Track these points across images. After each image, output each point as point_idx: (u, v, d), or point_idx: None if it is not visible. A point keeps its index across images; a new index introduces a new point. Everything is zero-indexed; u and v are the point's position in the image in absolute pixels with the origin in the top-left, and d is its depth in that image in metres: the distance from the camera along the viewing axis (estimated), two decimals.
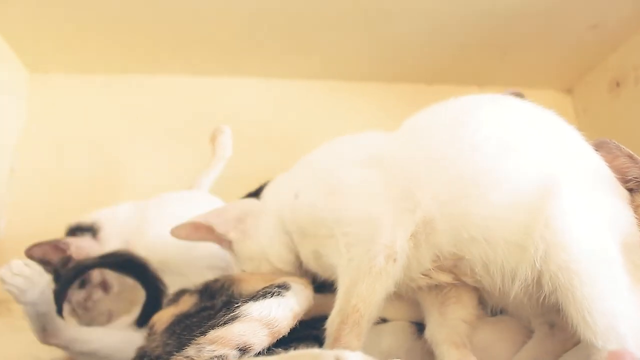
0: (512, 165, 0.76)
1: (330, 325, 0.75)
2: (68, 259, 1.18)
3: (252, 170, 1.31)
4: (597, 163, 0.82)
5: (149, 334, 0.84)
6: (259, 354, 0.68)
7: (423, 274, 0.81)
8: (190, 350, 0.63)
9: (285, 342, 0.74)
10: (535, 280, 0.73)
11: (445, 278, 0.81)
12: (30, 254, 1.12)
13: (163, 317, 0.84)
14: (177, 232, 1.01)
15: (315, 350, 0.53)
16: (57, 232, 1.53)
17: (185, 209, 1.18)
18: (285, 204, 0.93)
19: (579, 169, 0.78)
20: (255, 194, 1.09)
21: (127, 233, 1.20)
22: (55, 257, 1.18)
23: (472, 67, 1.73)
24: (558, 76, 1.81)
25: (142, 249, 1.14)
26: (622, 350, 0.63)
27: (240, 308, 0.70)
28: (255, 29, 1.53)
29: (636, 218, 0.80)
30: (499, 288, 0.77)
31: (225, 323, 0.68)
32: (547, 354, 0.80)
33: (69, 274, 1.08)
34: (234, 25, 1.51)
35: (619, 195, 0.80)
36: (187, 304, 0.86)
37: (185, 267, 1.14)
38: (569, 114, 1.84)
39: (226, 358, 0.63)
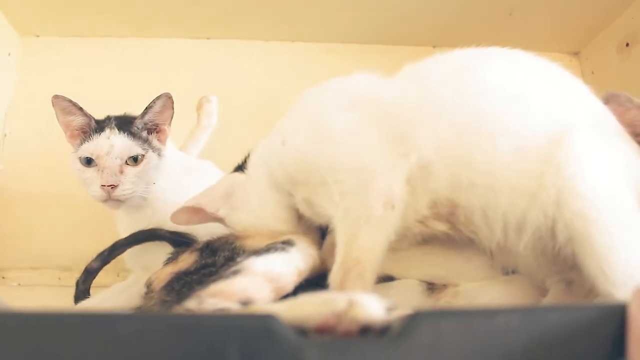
0: (520, 111, 0.73)
1: (334, 280, 0.71)
2: None
3: (246, 135, 1.28)
4: (607, 115, 0.79)
5: (146, 293, 0.80)
6: None
7: (419, 221, 0.77)
8: (190, 303, 0.59)
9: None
10: (548, 230, 0.69)
11: (441, 227, 0.78)
12: None
13: (161, 276, 0.80)
14: (176, 218, 0.99)
15: (326, 294, 0.49)
16: (50, 196, 1.51)
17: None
18: (273, 155, 0.88)
19: (590, 117, 0.75)
20: (242, 166, 1.04)
21: None
22: None
23: (478, 28, 1.67)
24: (565, 38, 1.76)
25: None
26: None
27: (243, 262, 0.67)
28: None
29: None
30: (498, 240, 0.74)
31: (227, 277, 0.64)
32: None
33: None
34: None
35: (631, 146, 0.77)
36: (186, 261, 0.82)
37: None
38: (576, 76, 1.79)
39: (229, 309, 0.60)
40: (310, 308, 0.48)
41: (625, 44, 1.61)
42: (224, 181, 0.98)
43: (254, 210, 0.90)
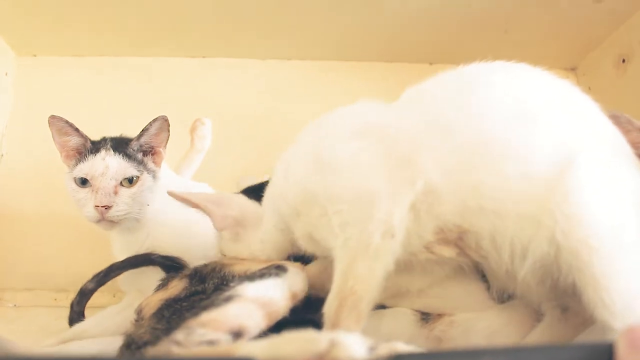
0: (527, 134, 0.71)
1: (328, 309, 0.70)
2: None
3: (241, 154, 1.27)
4: (615, 135, 0.77)
5: (137, 320, 0.79)
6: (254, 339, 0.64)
7: (425, 248, 0.76)
8: (178, 334, 0.58)
9: (281, 327, 0.70)
10: (550, 258, 0.68)
11: (448, 253, 0.76)
12: None
13: (151, 302, 0.79)
14: (181, 199, 0.98)
15: (309, 333, 0.48)
16: (47, 217, 1.50)
17: None
18: (277, 191, 0.87)
19: (598, 140, 0.74)
20: (259, 187, 1.03)
21: None
22: None
23: (474, 45, 1.67)
24: (562, 54, 1.76)
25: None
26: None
27: (236, 288, 0.66)
28: (246, 9, 1.47)
29: None
30: (506, 266, 0.72)
31: (218, 304, 0.63)
32: (558, 339, 0.75)
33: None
34: (223, 5, 1.45)
35: (638, 166, 0.76)
36: (176, 288, 0.81)
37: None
38: None
39: (218, 343, 0.59)
40: (291, 348, 0.47)
41: (621, 60, 1.61)
42: (240, 205, 0.96)
43: (252, 251, 0.89)
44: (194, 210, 1.19)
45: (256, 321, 0.63)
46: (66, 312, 1.22)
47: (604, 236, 0.64)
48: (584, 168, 0.68)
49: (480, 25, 1.58)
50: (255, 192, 1.00)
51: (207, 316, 0.61)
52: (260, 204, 0.94)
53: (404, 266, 0.76)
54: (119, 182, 1.11)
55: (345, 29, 1.59)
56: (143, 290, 1.16)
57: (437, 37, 1.63)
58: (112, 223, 1.11)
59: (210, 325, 0.60)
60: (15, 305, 1.45)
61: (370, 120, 0.81)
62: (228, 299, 0.64)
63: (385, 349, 0.47)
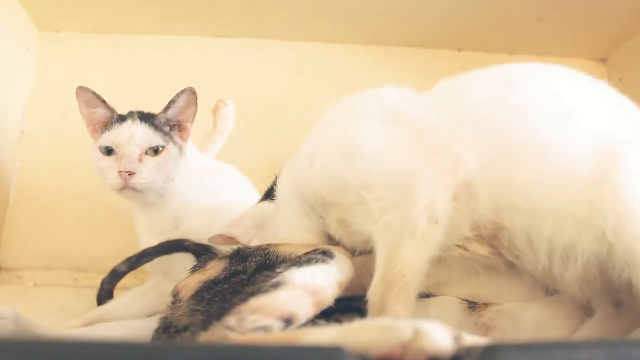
0: (566, 130, 0.70)
1: (374, 294, 0.67)
2: None
3: (265, 137, 1.24)
4: None
5: (173, 302, 0.77)
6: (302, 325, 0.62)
7: (459, 244, 0.74)
8: (230, 320, 0.56)
9: (326, 315, 0.68)
10: (603, 258, 0.66)
11: (482, 251, 0.74)
12: None
13: (189, 284, 0.77)
14: (214, 241, 0.98)
15: (387, 322, 0.46)
16: (67, 195, 1.48)
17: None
18: (301, 179, 0.83)
19: (636, 138, 0.71)
20: (271, 192, 1.01)
21: None
22: None
23: (504, 33, 1.64)
24: (593, 45, 1.72)
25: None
26: None
27: (283, 273, 0.63)
28: None
29: None
30: (543, 267, 0.70)
31: (266, 290, 0.61)
32: (609, 334, 0.73)
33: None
34: None
35: None
36: (215, 269, 0.79)
37: None
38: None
39: (270, 329, 0.56)
40: (373, 336, 0.44)
41: None
42: (253, 210, 0.96)
43: (285, 240, 0.85)
44: (219, 190, 1.18)
45: (306, 308, 0.61)
46: (86, 292, 1.21)
47: None
48: (631, 164, 0.66)
49: (512, 12, 1.54)
50: None
51: (256, 302, 0.59)
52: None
53: (439, 260, 0.74)
54: (144, 150, 1.10)
55: (375, 12, 1.56)
56: (168, 272, 1.15)
57: (466, 24, 1.60)
58: (135, 191, 1.09)
59: (260, 311, 0.58)
60: (35, 284, 1.44)
61: (403, 106, 0.79)
62: (276, 285, 0.61)
63: (469, 340, 0.44)
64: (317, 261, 0.67)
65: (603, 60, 1.78)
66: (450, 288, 0.81)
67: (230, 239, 0.94)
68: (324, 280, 0.64)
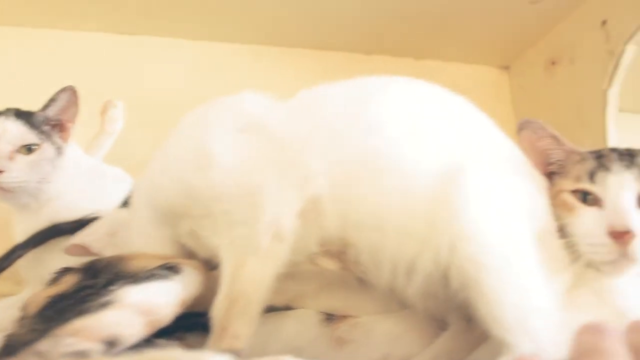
0: (413, 149, 0.70)
1: (217, 312, 0.67)
2: None
3: (156, 138, 1.20)
4: (509, 150, 0.78)
5: (21, 318, 0.73)
6: (135, 346, 0.59)
7: (308, 259, 0.74)
8: (42, 344, 0.53)
9: (169, 332, 0.66)
10: (440, 277, 0.67)
11: (331, 265, 0.75)
12: None
13: (38, 299, 0.73)
14: (70, 251, 0.93)
15: (174, 353, 0.44)
16: None
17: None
18: (154, 186, 0.81)
19: (488, 155, 0.73)
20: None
21: None
22: None
23: (410, 38, 1.66)
24: (496, 52, 1.77)
25: None
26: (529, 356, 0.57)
27: (116, 292, 0.61)
28: None
29: (555, 205, 0.77)
30: (387, 282, 0.71)
31: (94, 310, 0.59)
32: (462, 349, 0.75)
33: None
34: None
35: (535, 182, 0.77)
36: (67, 283, 0.75)
37: None
38: (505, 90, 1.81)
39: (88, 354, 0.54)
40: None
41: (551, 62, 1.63)
42: (107, 219, 0.93)
43: (139, 248, 0.82)
44: (101, 193, 1.13)
45: (135, 329, 0.59)
46: None
47: (491, 251, 0.64)
48: (471, 182, 0.67)
49: (418, 18, 1.56)
50: None
51: (79, 323, 0.56)
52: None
53: (292, 274, 0.74)
54: (16, 148, 1.04)
55: (280, 13, 1.53)
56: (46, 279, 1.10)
57: (373, 28, 1.60)
58: (4, 191, 1.04)
59: (81, 334, 0.55)
60: None
61: (259, 114, 0.77)
62: (105, 304, 0.59)
63: None
64: (158, 277, 0.64)
65: (506, 68, 1.83)
66: (308, 301, 0.81)
67: (86, 249, 0.90)
68: (161, 298, 0.62)
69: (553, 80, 1.63)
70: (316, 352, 0.77)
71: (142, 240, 0.81)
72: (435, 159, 0.70)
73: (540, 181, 0.79)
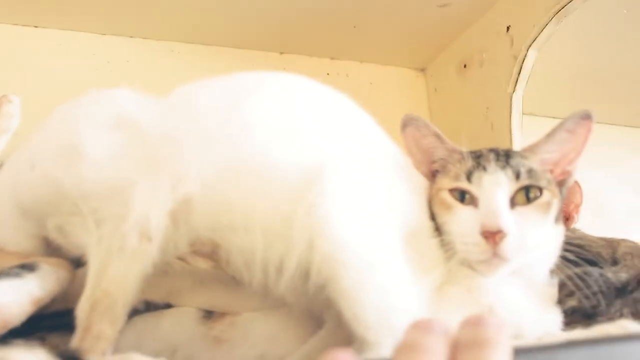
0: (279, 151, 0.70)
1: (81, 312, 0.64)
2: None
3: None
4: (383, 148, 0.78)
5: None
6: None
7: (180, 258, 0.73)
8: None
9: (29, 332, 0.63)
10: (302, 273, 0.66)
11: (203, 264, 0.74)
12: None
13: None
14: None
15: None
16: None
17: None
18: (20, 180, 0.77)
19: (356, 154, 0.73)
20: None
21: None
22: None
23: (325, 38, 1.66)
24: (412, 54, 1.80)
25: None
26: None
27: None
28: None
29: (435, 203, 0.78)
30: (259, 282, 0.70)
31: None
32: (336, 346, 0.74)
33: None
34: None
35: (408, 181, 0.77)
36: None
37: None
38: (421, 92, 1.84)
39: None
40: None
41: (463, 65, 1.67)
42: None
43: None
44: None
45: None
46: None
47: (348, 249, 0.63)
48: (329, 181, 0.67)
49: (330, 18, 1.57)
50: None
51: None
52: None
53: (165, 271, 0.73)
54: None
55: (194, 10, 1.51)
56: None
57: (288, 27, 1.61)
58: None
59: None
60: None
61: (133, 111, 0.75)
62: None
63: None
64: (8, 276, 0.62)
65: (422, 70, 1.87)
66: (186, 297, 0.79)
67: None
68: (9, 297, 0.60)
69: (465, 83, 1.67)
70: (193, 350, 0.76)
71: (4, 232, 0.78)
72: (300, 159, 0.69)
73: (416, 180, 0.79)
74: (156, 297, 0.77)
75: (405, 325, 0.61)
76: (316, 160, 0.69)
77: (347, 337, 0.74)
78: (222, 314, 0.79)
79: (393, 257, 0.66)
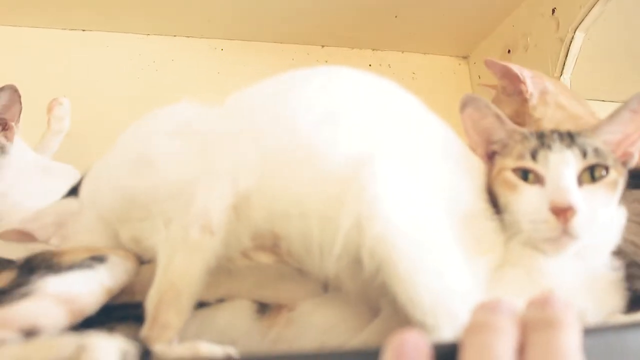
0: (329, 134, 0.70)
1: (150, 303, 0.66)
2: None
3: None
4: (436, 132, 0.77)
5: None
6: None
7: (242, 254, 0.74)
8: None
9: (101, 322, 0.65)
10: (353, 257, 0.66)
11: (266, 259, 0.74)
12: None
13: None
14: (6, 236, 0.90)
15: (62, 338, 0.45)
16: None
17: None
18: (99, 191, 0.81)
19: (402, 139, 0.73)
20: (77, 189, 0.97)
21: None
22: None
23: (366, 29, 1.66)
24: (454, 42, 1.78)
25: None
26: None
27: (37, 282, 0.60)
28: None
29: (497, 184, 0.77)
30: (320, 268, 0.70)
31: (13, 301, 0.58)
32: (391, 333, 0.74)
33: None
34: None
35: (463, 164, 0.76)
36: (4, 280, 0.75)
37: None
38: (465, 81, 1.83)
39: (4, 343, 0.53)
40: (37, 355, 0.43)
41: (507, 51, 1.65)
42: (54, 208, 0.90)
43: (84, 236, 0.82)
44: (51, 191, 1.12)
45: (55, 319, 0.58)
46: None
47: (402, 231, 0.62)
48: (378, 164, 0.66)
49: (371, 9, 1.57)
50: None
51: None
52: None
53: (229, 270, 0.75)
54: None
55: (236, 7, 1.53)
56: None
57: (329, 19, 1.61)
58: None
59: None
60: None
61: (192, 120, 0.78)
62: (25, 294, 0.58)
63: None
64: (81, 267, 0.64)
65: (465, 57, 1.85)
66: (242, 288, 0.80)
67: (26, 235, 0.89)
68: (83, 287, 0.62)
69: None
70: (250, 344, 0.77)
71: (88, 237, 0.82)
72: (348, 144, 0.69)
73: (471, 162, 0.79)
74: (213, 296, 0.78)
75: (463, 308, 0.62)
76: (364, 145, 0.69)
77: (404, 324, 0.74)
78: (277, 308, 0.79)
79: (445, 239, 0.65)
